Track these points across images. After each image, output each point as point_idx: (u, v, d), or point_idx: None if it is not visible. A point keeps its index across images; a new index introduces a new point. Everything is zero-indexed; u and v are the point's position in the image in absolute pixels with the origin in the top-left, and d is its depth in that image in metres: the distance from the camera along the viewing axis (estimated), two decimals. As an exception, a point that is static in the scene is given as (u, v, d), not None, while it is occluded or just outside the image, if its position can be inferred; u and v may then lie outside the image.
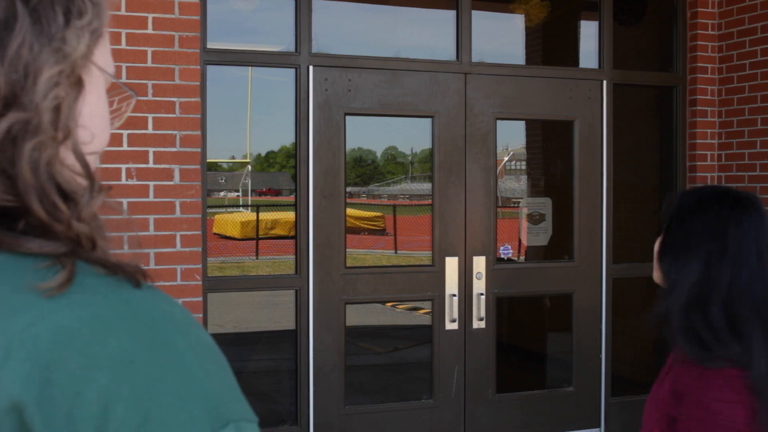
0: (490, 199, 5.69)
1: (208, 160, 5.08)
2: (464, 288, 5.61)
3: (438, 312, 5.61)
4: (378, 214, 7.18)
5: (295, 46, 5.29)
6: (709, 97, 6.24)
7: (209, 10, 5.04)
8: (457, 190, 5.63)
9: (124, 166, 4.48)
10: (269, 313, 5.88)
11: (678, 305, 2.03)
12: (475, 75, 5.69)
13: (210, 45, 5.04)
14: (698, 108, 6.23)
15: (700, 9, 6.20)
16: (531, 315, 6.50)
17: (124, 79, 4.48)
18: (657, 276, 2.16)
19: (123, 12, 4.48)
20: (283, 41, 5.38)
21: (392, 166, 6.38)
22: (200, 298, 4.63)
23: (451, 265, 5.61)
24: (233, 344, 6.28)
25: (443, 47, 5.76)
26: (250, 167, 6.63)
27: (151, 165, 4.53)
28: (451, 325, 5.60)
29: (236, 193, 7.82)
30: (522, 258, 6.10)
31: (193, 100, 4.61)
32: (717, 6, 6.24)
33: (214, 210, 7.41)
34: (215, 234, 7.39)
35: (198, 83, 4.64)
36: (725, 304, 2.00)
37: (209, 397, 0.76)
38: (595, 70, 6.11)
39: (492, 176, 5.75)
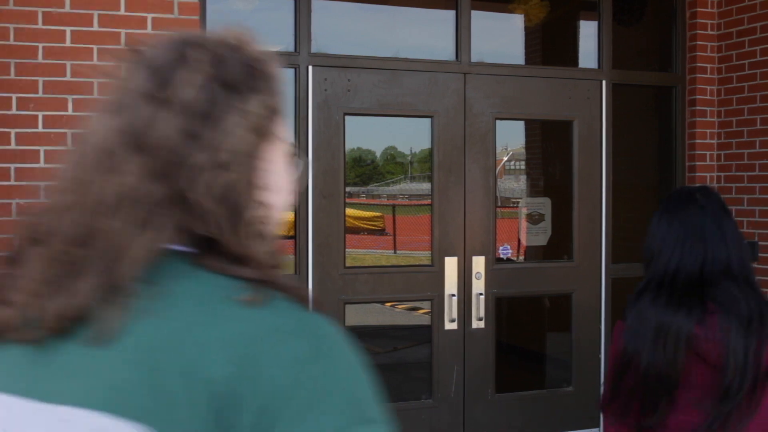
0: (489, 199, 5.69)
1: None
2: (463, 288, 5.61)
3: (437, 312, 5.61)
4: (377, 214, 7.17)
5: (294, 46, 5.28)
6: (708, 97, 6.24)
7: (208, 10, 5.04)
8: (456, 190, 5.63)
9: (123, 166, 4.48)
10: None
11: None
12: (474, 75, 5.69)
13: (209, 45, 5.03)
14: (697, 108, 6.23)
15: (699, 9, 6.20)
16: (530, 315, 6.50)
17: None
18: None
19: (122, 12, 4.47)
20: (282, 41, 5.37)
21: (391, 166, 6.37)
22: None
23: (451, 265, 5.61)
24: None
25: (442, 47, 5.76)
26: (249, 167, 6.63)
27: (150, 165, 4.53)
28: (450, 325, 5.61)
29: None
30: (521, 258, 6.10)
31: (192, 100, 4.61)
32: (716, 6, 6.24)
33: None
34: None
35: (197, 83, 4.64)
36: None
37: (362, 398, 1.02)
38: (594, 70, 6.10)
39: (491, 176, 5.75)
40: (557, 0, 6.40)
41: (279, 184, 1.18)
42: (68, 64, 4.38)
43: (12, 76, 4.32)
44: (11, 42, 4.32)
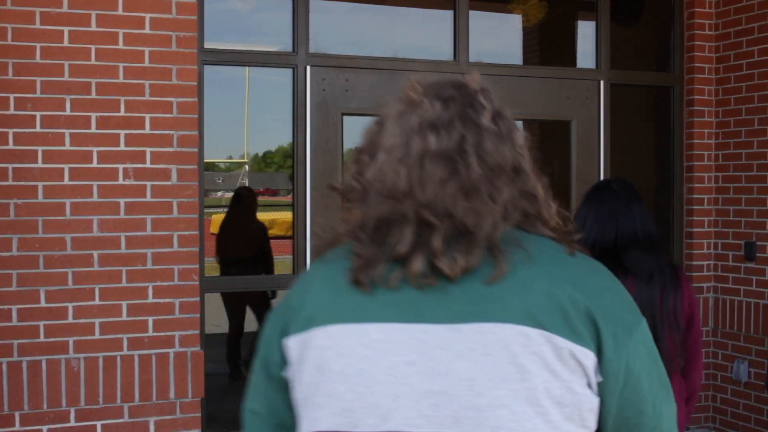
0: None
1: (205, 161, 5.07)
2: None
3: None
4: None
5: (292, 46, 5.28)
6: (706, 98, 6.24)
7: (206, 9, 5.04)
8: (454, 190, 5.63)
9: (121, 166, 4.48)
10: (265, 313, 5.87)
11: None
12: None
13: (207, 45, 5.04)
14: (695, 108, 6.23)
15: (697, 9, 6.20)
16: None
17: (120, 79, 4.48)
18: None
19: (120, 12, 4.47)
20: (280, 41, 5.37)
21: (390, 166, 6.37)
22: (197, 299, 4.63)
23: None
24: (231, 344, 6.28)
25: (441, 47, 5.76)
26: (247, 167, 6.64)
27: (148, 165, 4.52)
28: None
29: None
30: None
31: (190, 100, 4.61)
32: (714, 6, 6.24)
33: (211, 210, 7.40)
34: (213, 234, 7.38)
35: (195, 83, 4.64)
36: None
37: (634, 305, 1.51)
38: (592, 70, 6.11)
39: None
40: (555, 0, 6.41)
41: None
42: (66, 64, 4.38)
43: (10, 76, 4.32)
44: (9, 42, 4.32)
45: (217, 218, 7.80)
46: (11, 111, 4.32)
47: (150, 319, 4.52)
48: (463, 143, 1.52)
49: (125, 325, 4.48)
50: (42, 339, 4.35)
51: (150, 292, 4.53)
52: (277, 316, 1.55)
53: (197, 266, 4.64)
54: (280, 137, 5.60)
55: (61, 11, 4.37)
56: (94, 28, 4.43)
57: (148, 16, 4.53)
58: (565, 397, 1.38)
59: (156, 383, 4.51)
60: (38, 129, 4.35)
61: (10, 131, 4.32)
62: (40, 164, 4.35)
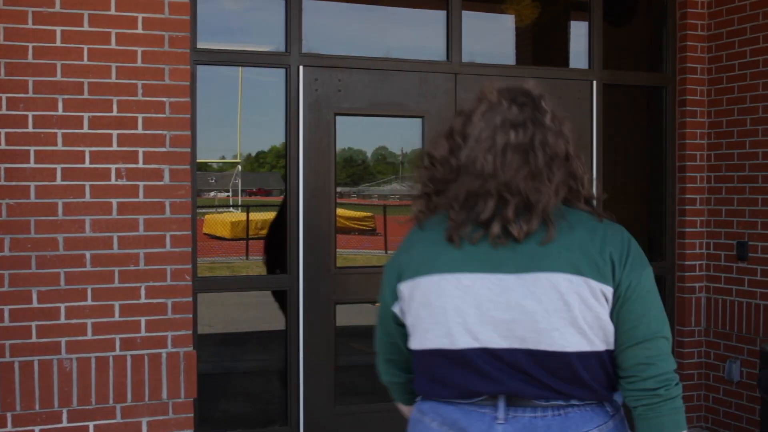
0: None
1: (198, 161, 5.07)
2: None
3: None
4: (368, 214, 7.18)
5: (285, 46, 5.28)
6: (698, 98, 6.26)
7: (199, 9, 5.03)
8: (447, 190, 5.63)
9: (113, 166, 4.47)
10: (259, 313, 5.87)
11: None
12: (465, 75, 5.69)
13: (200, 45, 5.03)
14: (687, 108, 6.24)
15: (689, 9, 6.22)
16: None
17: (113, 79, 4.47)
18: None
19: (112, 12, 4.47)
20: (273, 41, 5.37)
21: (382, 166, 6.38)
22: (190, 299, 4.63)
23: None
24: (223, 344, 6.28)
25: (434, 47, 5.76)
26: (240, 167, 6.64)
27: (140, 165, 4.52)
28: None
29: (226, 194, 7.81)
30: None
31: (182, 100, 4.61)
32: (706, 6, 6.25)
33: (204, 210, 7.39)
34: (205, 234, 7.38)
35: (188, 83, 4.63)
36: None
37: (644, 256, 2.10)
38: (584, 71, 6.12)
39: (482, 176, 5.75)
40: (548, 0, 6.41)
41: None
42: (58, 64, 4.38)
43: (2, 75, 4.31)
44: (1, 42, 4.31)
45: (210, 218, 7.79)
46: (3, 111, 4.31)
47: (142, 320, 4.52)
48: (534, 139, 2.11)
49: (118, 326, 4.48)
50: (34, 339, 4.35)
51: (142, 292, 4.52)
52: (392, 268, 2.24)
53: (190, 266, 4.64)
54: (272, 137, 5.60)
55: (53, 11, 4.36)
56: (86, 27, 4.42)
57: (140, 16, 4.52)
58: (595, 322, 2.03)
59: (148, 384, 4.51)
60: (30, 129, 4.34)
61: (2, 131, 4.32)
62: (32, 164, 4.35)
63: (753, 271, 5.91)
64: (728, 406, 6.11)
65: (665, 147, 6.33)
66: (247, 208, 7.21)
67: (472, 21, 5.81)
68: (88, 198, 4.43)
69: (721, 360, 6.15)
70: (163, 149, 4.56)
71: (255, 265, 7.20)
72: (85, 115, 4.42)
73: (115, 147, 4.47)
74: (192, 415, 4.63)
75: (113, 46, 4.47)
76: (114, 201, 4.47)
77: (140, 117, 4.52)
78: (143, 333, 4.52)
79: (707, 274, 6.23)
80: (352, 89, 5.42)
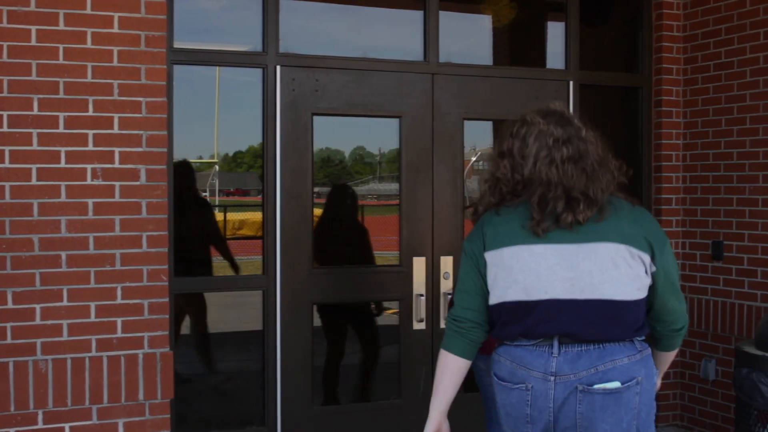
0: (457, 200, 5.71)
1: (174, 161, 5.05)
2: (431, 288, 5.63)
3: (405, 312, 5.63)
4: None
5: (262, 46, 5.27)
6: (674, 98, 6.30)
7: (176, 9, 5.01)
8: (424, 190, 5.65)
9: (89, 166, 4.45)
10: (236, 313, 5.85)
11: None
12: (442, 75, 5.70)
13: (177, 44, 5.02)
14: (663, 109, 6.28)
15: (665, 11, 6.26)
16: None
17: (89, 79, 4.45)
18: None
19: (88, 11, 4.44)
20: (250, 41, 5.36)
21: (360, 166, 6.38)
22: (166, 299, 4.61)
23: (419, 265, 5.62)
24: (200, 345, 6.24)
25: (411, 47, 5.77)
26: (217, 167, 6.62)
27: (117, 165, 4.50)
28: (418, 325, 5.63)
29: (203, 193, 7.78)
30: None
31: (159, 99, 4.59)
32: (682, 8, 6.30)
33: (181, 210, 7.36)
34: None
35: (164, 83, 4.62)
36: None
37: (663, 232, 2.91)
38: (561, 71, 6.14)
39: (459, 177, 5.77)
40: (525, 1, 6.43)
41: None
42: (33, 63, 4.35)
43: (-24, 75, 4.28)
44: (-25, 41, 4.28)
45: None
46: (-23, 110, 4.28)
47: (119, 320, 4.50)
48: (581, 150, 2.88)
49: (94, 327, 4.46)
50: (9, 341, 4.32)
51: (119, 292, 4.50)
52: (477, 239, 2.93)
53: (166, 267, 4.62)
54: (250, 137, 5.58)
55: (28, 10, 4.34)
56: (62, 27, 4.40)
57: (116, 15, 4.50)
58: (636, 277, 2.80)
59: (125, 385, 4.49)
60: (5, 129, 4.31)
61: (-23, 131, 4.28)
62: (7, 164, 4.32)
63: (728, 270, 5.95)
64: (704, 405, 6.15)
65: (641, 147, 6.36)
66: (224, 208, 7.17)
67: (449, 21, 5.82)
68: (63, 198, 4.41)
69: (696, 359, 6.19)
70: (140, 149, 4.54)
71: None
72: (61, 115, 4.40)
73: (91, 147, 4.45)
74: (169, 416, 4.62)
75: (89, 45, 4.44)
76: (90, 201, 4.45)
77: (116, 117, 4.50)
78: (119, 334, 4.51)
79: (683, 273, 6.27)
80: (329, 89, 5.42)
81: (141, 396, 4.52)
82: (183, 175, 5.24)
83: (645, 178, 6.33)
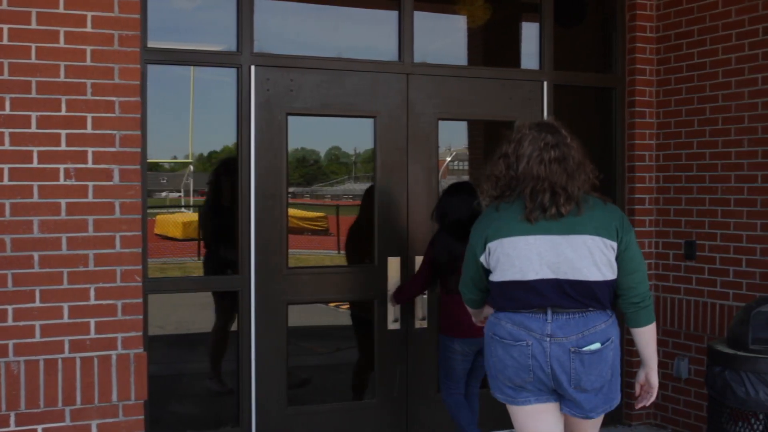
0: (431, 199, 5.71)
1: (149, 161, 5.03)
2: (407, 288, 5.62)
3: (380, 312, 5.64)
4: (320, 214, 7.17)
5: (236, 46, 5.26)
6: (647, 99, 6.34)
7: (150, 8, 4.99)
8: (399, 190, 5.65)
9: (62, 166, 4.42)
10: (211, 314, 5.83)
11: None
12: (417, 75, 5.71)
13: (151, 44, 5.00)
14: (636, 109, 6.32)
15: (638, 12, 6.30)
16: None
17: (62, 78, 4.42)
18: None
19: (61, 10, 4.42)
20: (225, 41, 5.35)
21: (335, 166, 6.38)
22: (140, 300, 4.59)
23: (393, 264, 5.62)
24: (175, 346, 6.22)
25: (386, 47, 5.77)
26: (192, 167, 6.59)
27: (90, 165, 4.47)
28: (393, 325, 5.64)
29: (178, 194, 7.75)
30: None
31: (132, 99, 4.57)
32: (655, 9, 6.34)
33: (155, 210, 7.33)
34: (157, 235, 7.31)
35: (138, 82, 4.59)
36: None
37: (630, 224, 3.60)
38: (535, 71, 6.17)
39: (434, 176, 5.77)
40: (500, 1, 6.45)
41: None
42: (5, 62, 4.31)
43: (-53, 74, 4.25)
44: (-54, 40, 4.24)
45: (162, 219, 7.72)
46: (-52, 110, 4.25)
47: (92, 321, 4.47)
48: (564, 154, 3.53)
49: (67, 328, 4.43)
50: (-19, 342, 4.29)
51: (92, 293, 4.48)
52: (481, 231, 3.59)
53: (140, 267, 4.60)
54: (225, 137, 5.57)
55: (0, 8, 4.30)
56: (34, 26, 4.37)
57: (89, 14, 4.47)
58: (607, 263, 3.47)
59: (98, 386, 4.46)
60: (-24, 128, 4.28)
61: (-52, 131, 4.25)
62: (-22, 164, 4.28)
63: (700, 269, 6.00)
64: (677, 403, 6.19)
65: (615, 147, 6.40)
66: (199, 208, 7.15)
67: (424, 21, 5.83)
68: (36, 198, 4.37)
69: (669, 357, 6.24)
70: (113, 149, 4.52)
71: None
72: (33, 115, 4.37)
73: (63, 147, 4.42)
74: (142, 417, 4.59)
75: (62, 44, 4.42)
76: (63, 201, 4.42)
77: (89, 116, 4.47)
78: (93, 335, 4.48)
79: (656, 273, 6.31)
80: (304, 89, 5.41)
81: (114, 397, 4.50)
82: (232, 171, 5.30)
83: (618, 178, 6.36)
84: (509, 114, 6.01)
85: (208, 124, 5.70)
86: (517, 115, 5.99)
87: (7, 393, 4.29)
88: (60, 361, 4.40)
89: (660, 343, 6.28)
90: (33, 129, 4.37)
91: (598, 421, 3.70)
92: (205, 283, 5.59)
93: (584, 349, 3.48)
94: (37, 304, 4.38)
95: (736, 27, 5.71)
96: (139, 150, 4.60)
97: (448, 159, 6.62)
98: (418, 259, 5.61)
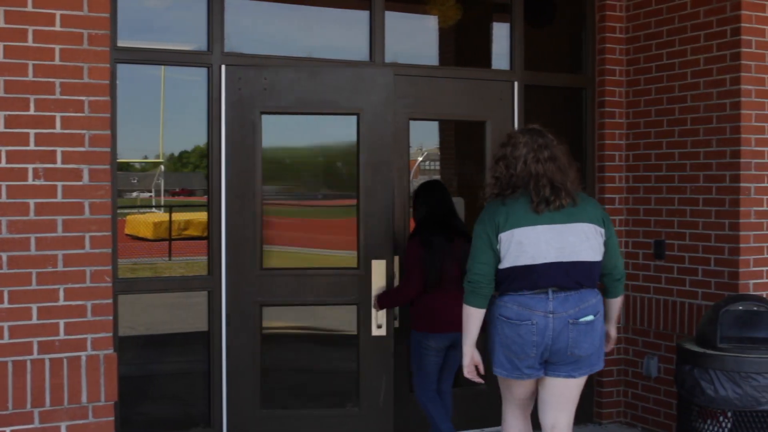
0: (403, 199, 5.71)
1: (119, 160, 5.01)
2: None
3: (363, 317, 5.44)
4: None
5: (207, 46, 5.25)
6: (617, 99, 6.39)
7: (120, 7, 4.97)
8: (382, 188, 5.61)
9: (31, 166, 4.38)
10: (182, 314, 5.81)
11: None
12: (388, 75, 5.70)
13: (120, 43, 4.97)
14: (606, 109, 6.36)
15: (608, 12, 6.34)
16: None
17: (30, 77, 4.38)
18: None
19: (29, 8, 4.38)
20: (194, 40, 5.33)
21: (313, 165, 6.35)
22: (110, 300, 4.56)
23: (378, 268, 5.44)
24: (146, 346, 6.19)
25: (357, 47, 5.77)
26: (163, 167, 6.57)
27: (59, 165, 4.44)
28: (377, 331, 5.43)
29: (149, 194, 7.71)
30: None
31: (102, 99, 4.53)
32: (624, 10, 6.38)
33: (126, 211, 7.30)
34: (127, 235, 7.28)
35: (107, 82, 4.56)
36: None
37: (607, 216, 4.29)
38: (506, 72, 6.19)
39: (405, 176, 5.78)
40: (471, 2, 6.47)
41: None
42: (-27, 61, 4.27)
43: None
44: None
45: (132, 219, 7.68)
46: None
47: (61, 322, 4.44)
48: (554, 154, 4.09)
49: (35, 329, 4.39)
50: (-52, 343, 4.24)
51: (61, 294, 4.44)
52: (491, 222, 4.05)
53: (110, 268, 4.57)
54: (196, 137, 5.55)
55: (-33, 7, 4.26)
56: (2, 24, 4.32)
57: (58, 12, 4.44)
58: (598, 246, 4.11)
59: (68, 387, 4.43)
60: (-57, 128, 4.24)
61: None
62: (-55, 164, 4.24)
63: (670, 269, 6.05)
64: (646, 401, 6.24)
65: (585, 147, 6.44)
66: (170, 208, 7.13)
67: (395, 21, 5.84)
68: (4, 198, 4.33)
69: (639, 356, 6.28)
70: (82, 149, 4.48)
71: (178, 265, 7.12)
72: (1, 114, 4.32)
73: (32, 146, 4.38)
74: (113, 418, 4.56)
75: (30, 43, 4.38)
76: (31, 201, 4.38)
77: (58, 116, 4.44)
78: (62, 336, 4.44)
79: (626, 272, 6.34)
80: (277, 88, 5.37)
81: (84, 399, 4.46)
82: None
83: (589, 177, 6.40)
84: (480, 114, 6.03)
85: (180, 124, 5.68)
86: (489, 116, 6.01)
87: (-25, 395, 4.25)
88: (29, 363, 4.36)
89: (630, 342, 6.34)
90: (1, 128, 4.32)
91: (581, 385, 4.22)
92: (176, 284, 5.56)
93: (581, 320, 4.04)
94: (5, 305, 4.34)
95: (705, 28, 5.76)
96: (108, 150, 4.57)
97: (420, 159, 6.62)
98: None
